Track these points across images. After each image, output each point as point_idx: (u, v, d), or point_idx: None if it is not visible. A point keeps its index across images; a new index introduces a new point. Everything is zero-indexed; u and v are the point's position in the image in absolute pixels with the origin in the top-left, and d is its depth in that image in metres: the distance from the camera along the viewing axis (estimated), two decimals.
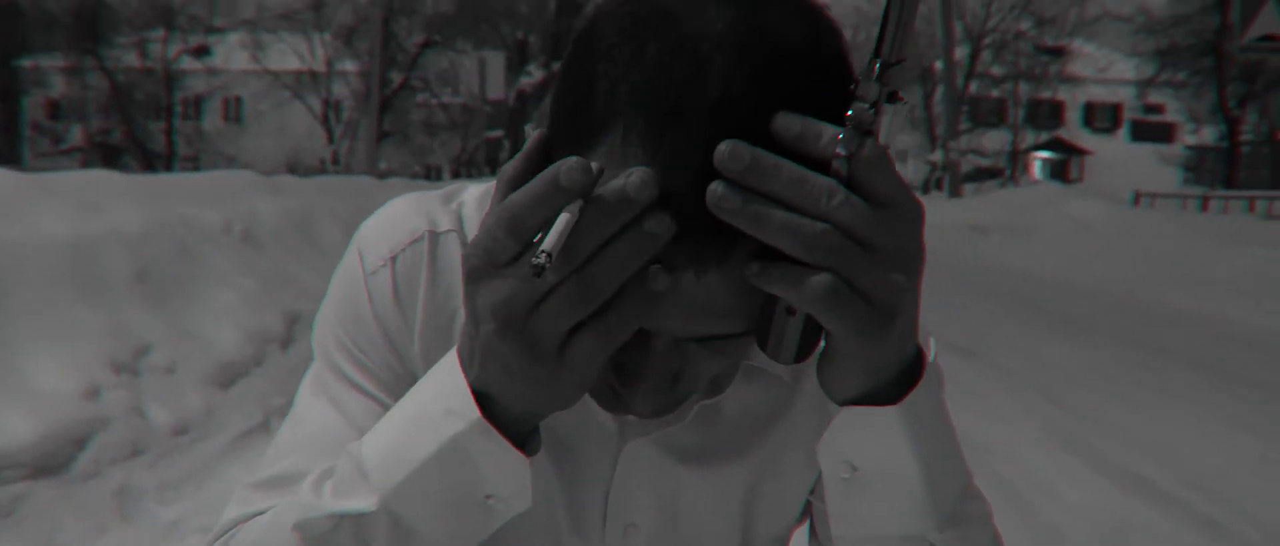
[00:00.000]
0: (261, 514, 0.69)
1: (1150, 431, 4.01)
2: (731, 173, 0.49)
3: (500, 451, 0.58)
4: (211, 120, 42.37)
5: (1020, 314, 7.28)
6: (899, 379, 0.58)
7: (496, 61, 14.99)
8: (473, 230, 0.74)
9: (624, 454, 0.74)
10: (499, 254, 0.53)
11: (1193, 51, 26.70)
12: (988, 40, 35.01)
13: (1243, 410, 4.38)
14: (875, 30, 0.51)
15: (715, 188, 0.49)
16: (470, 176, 23.70)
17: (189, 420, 3.00)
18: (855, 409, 0.58)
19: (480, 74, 14.44)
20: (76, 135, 38.64)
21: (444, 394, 0.59)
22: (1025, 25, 34.93)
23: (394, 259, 0.73)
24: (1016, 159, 38.91)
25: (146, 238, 3.65)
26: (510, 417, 0.58)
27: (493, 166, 22.94)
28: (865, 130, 0.49)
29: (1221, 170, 28.63)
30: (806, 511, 0.85)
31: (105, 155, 35.21)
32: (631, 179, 0.50)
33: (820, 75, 0.53)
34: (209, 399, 3.18)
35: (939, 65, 27.96)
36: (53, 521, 2.30)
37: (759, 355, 0.67)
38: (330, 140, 37.28)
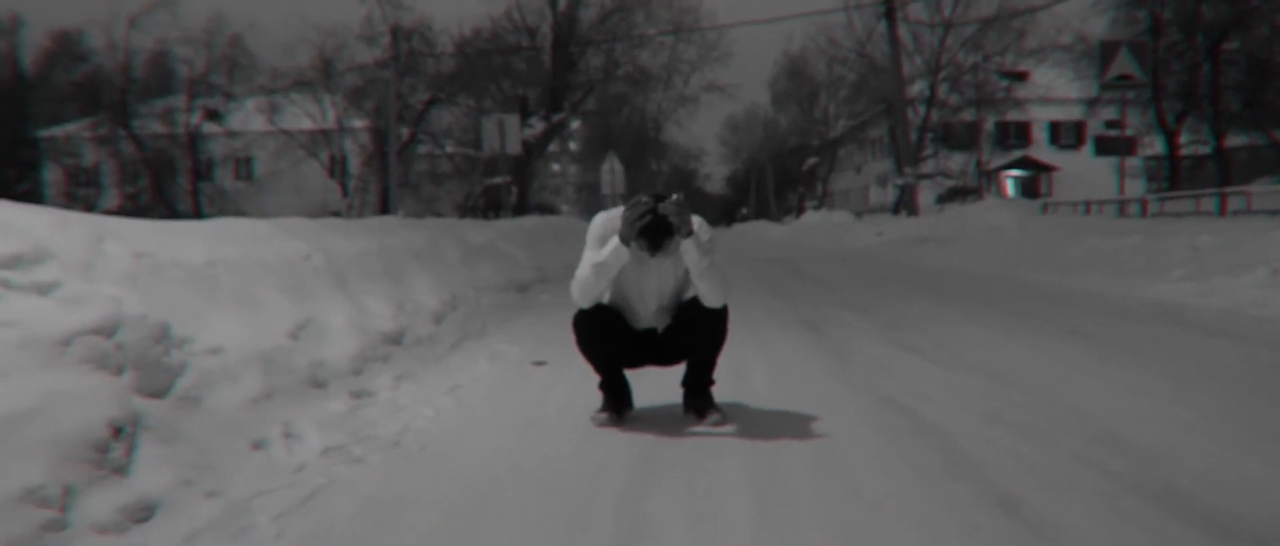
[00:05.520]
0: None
1: (947, 335, 6.46)
2: (665, 210, 3.75)
3: (621, 246, 3.81)
4: (225, 180, 44.65)
5: (909, 291, 9.76)
6: (689, 234, 3.80)
7: (513, 122, 18.07)
8: (619, 214, 3.89)
9: (653, 261, 3.93)
10: (631, 209, 3.76)
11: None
12: (943, 74, 37.22)
13: (1016, 330, 6.66)
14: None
15: (664, 207, 3.75)
16: (475, 219, 26.71)
17: (431, 335, 6.07)
18: (685, 240, 3.81)
19: (500, 133, 17.54)
20: (108, 199, 40.98)
21: (615, 240, 3.83)
22: (976, 58, 37.17)
23: (607, 219, 3.97)
24: (983, 178, 41.29)
25: (380, 252, 6.71)
26: (625, 241, 3.80)
27: (496, 210, 26.10)
28: (672, 199, 3.75)
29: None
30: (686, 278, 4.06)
31: (137, 217, 37.09)
32: (642, 196, 3.77)
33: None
34: (434, 329, 6.25)
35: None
36: (404, 364, 5.34)
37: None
38: (345, 193, 39.74)
